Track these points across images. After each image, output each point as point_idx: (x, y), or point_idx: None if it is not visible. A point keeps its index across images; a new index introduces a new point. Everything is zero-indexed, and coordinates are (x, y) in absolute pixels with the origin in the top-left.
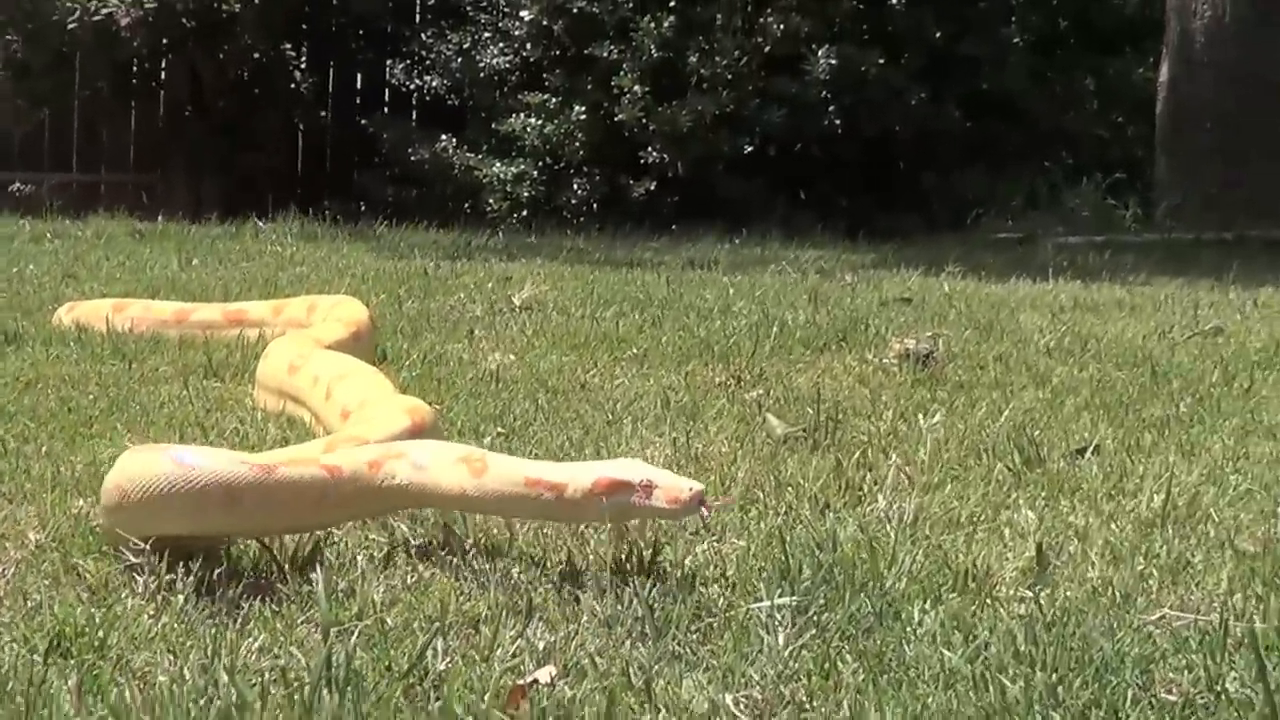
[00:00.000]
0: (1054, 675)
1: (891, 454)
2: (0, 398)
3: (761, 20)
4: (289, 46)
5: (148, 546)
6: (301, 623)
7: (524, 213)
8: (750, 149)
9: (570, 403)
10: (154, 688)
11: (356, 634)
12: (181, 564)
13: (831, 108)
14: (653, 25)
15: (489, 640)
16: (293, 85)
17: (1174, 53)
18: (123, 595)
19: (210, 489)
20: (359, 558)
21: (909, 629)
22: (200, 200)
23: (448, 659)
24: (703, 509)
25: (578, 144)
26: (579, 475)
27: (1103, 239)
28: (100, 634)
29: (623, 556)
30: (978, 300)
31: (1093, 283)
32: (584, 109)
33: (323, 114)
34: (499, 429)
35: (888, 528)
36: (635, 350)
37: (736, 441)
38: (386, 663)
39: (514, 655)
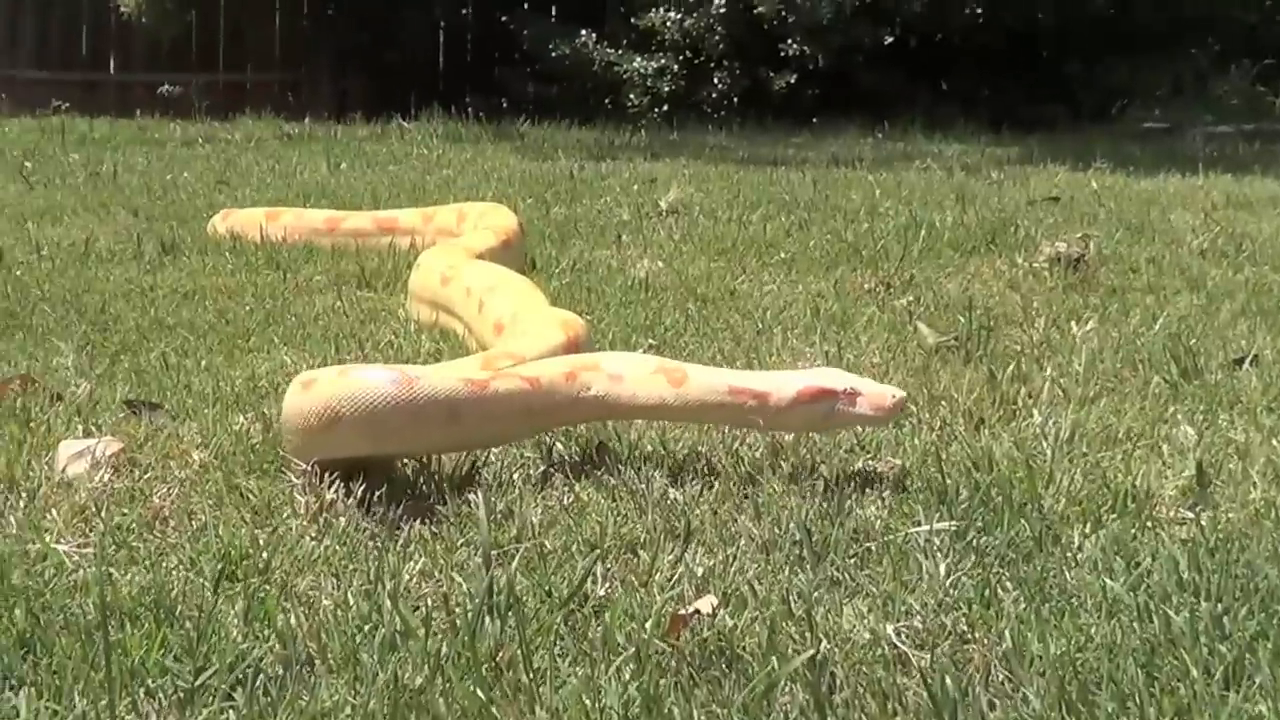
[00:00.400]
0: (1219, 605)
1: (1046, 365)
2: (160, 310)
3: None
4: None
5: (309, 467)
6: (461, 545)
7: (664, 108)
8: (891, 40)
9: (720, 311)
10: (318, 613)
11: (517, 559)
12: (341, 484)
13: None
14: None
15: (648, 565)
16: None
17: None
18: (284, 516)
19: (433, 405)
20: (515, 477)
21: (1069, 554)
22: (344, 97)
23: (607, 585)
24: None
25: (717, 38)
26: (783, 384)
27: (1252, 128)
28: (265, 556)
29: (776, 474)
30: (1127, 198)
31: (1244, 176)
32: (723, 2)
33: (463, 10)
34: (650, 340)
35: (1044, 445)
36: (783, 255)
37: (888, 351)
38: (547, 588)
39: (673, 581)
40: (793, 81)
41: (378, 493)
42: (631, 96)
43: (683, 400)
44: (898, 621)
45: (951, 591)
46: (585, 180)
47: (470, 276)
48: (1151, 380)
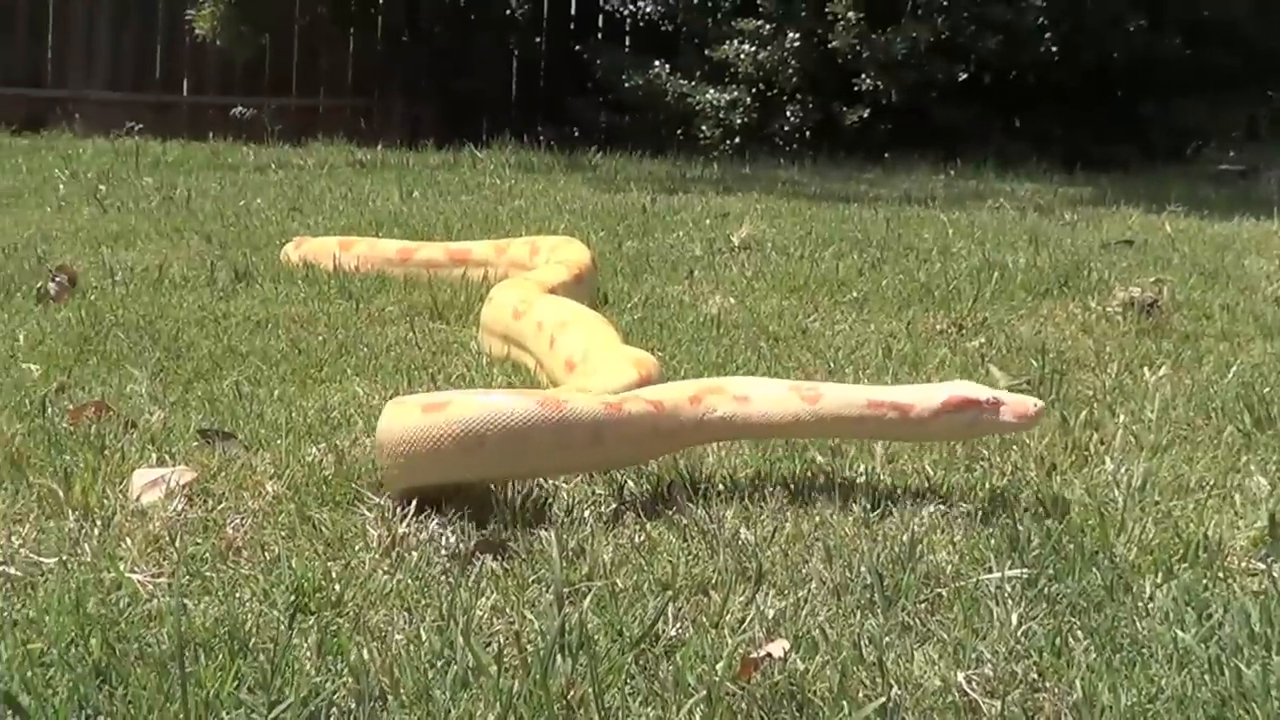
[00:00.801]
0: None
1: (1118, 411)
2: (233, 337)
3: None
4: None
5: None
6: (532, 582)
7: (736, 140)
8: (965, 76)
9: (791, 350)
10: (391, 647)
11: (589, 598)
12: (414, 517)
13: (1048, 35)
14: None
15: (719, 607)
16: (507, 10)
17: None
18: (357, 549)
19: (579, 427)
20: (587, 514)
21: (1140, 604)
22: (416, 124)
23: (678, 625)
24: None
25: (791, 71)
26: (926, 395)
27: None
28: (338, 589)
29: (848, 516)
30: (1201, 242)
31: None
32: (798, 35)
33: (537, 39)
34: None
35: (1116, 492)
36: (855, 294)
37: None
38: (618, 627)
39: (744, 623)
40: (865, 116)
41: (449, 527)
42: (704, 128)
43: (818, 415)
44: (969, 669)
45: (1023, 639)
46: (657, 214)
47: (542, 311)
48: (1224, 429)
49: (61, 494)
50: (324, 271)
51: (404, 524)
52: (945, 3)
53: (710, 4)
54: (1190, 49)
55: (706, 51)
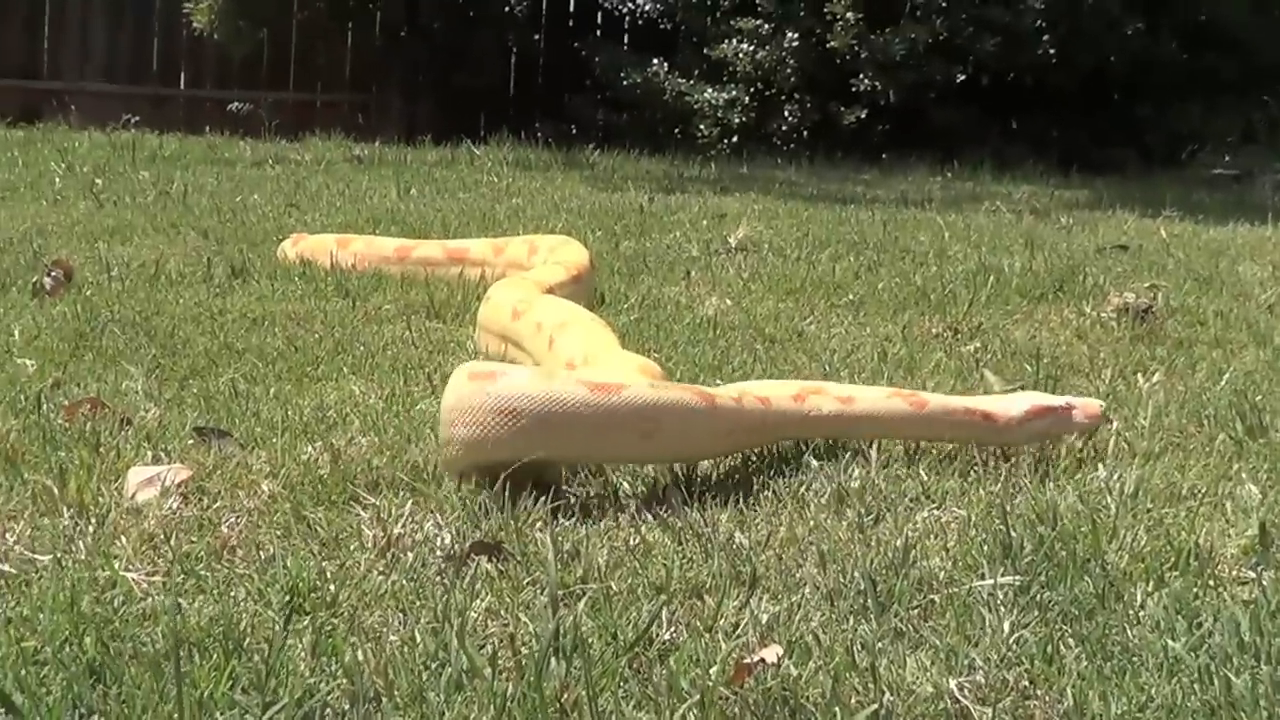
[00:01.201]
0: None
1: (1112, 418)
2: (229, 334)
3: None
4: None
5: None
6: (527, 584)
7: (734, 139)
8: (962, 78)
9: (787, 353)
10: (385, 649)
11: (584, 601)
12: (410, 518)
13: (1046, 37)
14: None
15: (713, 611)
16: (506, 7)
17: None
18: (352, 549)
19: (743, 415)
20: (582, 517)
21: (1131, 612)
22: (414, 120)
23: (672, 629)
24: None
25: (789, 70)
26: (1009, 404)
27: None
28: (332, 590)
29: (842, 523)
30: (1195, 247)
31: None
32: (796, 35)
33: (535, 36)
34: (718, 380)
35: (1108, 499)
36: (851, 297)
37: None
38: (612, 630)
39: (738, 628)
40: (863, 116)
41: (443, 528)
42: (701, 127)
43: (925, 418)
44: (960, 675)
45: (1014, 647)
46: (655, 214)
47: (542, 312)
48: (1217, 437)
49: (56, 491)
50: (321, 269)
51: (399, 524)
52: (944, 4)
53: (709, 3)
54: (1187, 53)
55: (705, 50)
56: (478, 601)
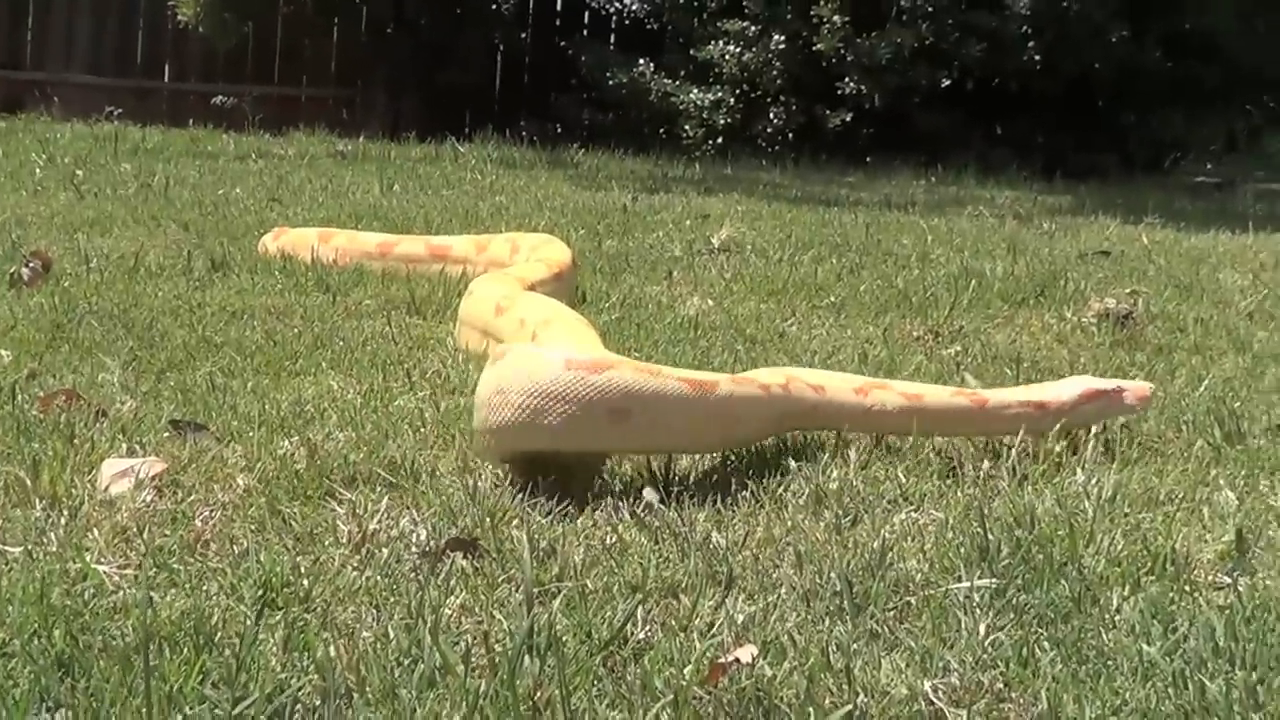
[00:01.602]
0: (1254, 674)
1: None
2: (207, 328)
3: None
4: None
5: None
6: (503, 581)
7: (719, 140)
8: (948, 83)
9: (768, 354)
10: (358, 645)
11: (559, 599)
12: (385, 513)
13: (1031, 43)
14: None
15: (688, 610)
16: (493, 5)
17: None
18: (326, 544)
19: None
20: (559, 514)
21: (1107, 616)
22: (398, 116)
23: (647, 628)
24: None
25: (775, 73)
26: (1062, 390)
27: None
28: (306, 585)
29: (820, 524)
30: (1177, 254)
31: None
32: (783, 37)
33: (522, 35)
34: None
35: (1086, 504)
36: (833, 299)
37: None
38: (587, 629)
39: (713, 627)
40: (848, 120)
41: (418, 523)
42: (687, 128)
43: (985, 414)
44: (935, 678)
45: (990, 649)
46: (638, 213)
47: (525, 308)
48: (1195, 442)
49: (29, 482)
50: (302, 263)
51: (375, 520)
52: (930, 8)
53: (696, 4)
54: (1171, 62)
55: (691, 51)
56: (452, 598)
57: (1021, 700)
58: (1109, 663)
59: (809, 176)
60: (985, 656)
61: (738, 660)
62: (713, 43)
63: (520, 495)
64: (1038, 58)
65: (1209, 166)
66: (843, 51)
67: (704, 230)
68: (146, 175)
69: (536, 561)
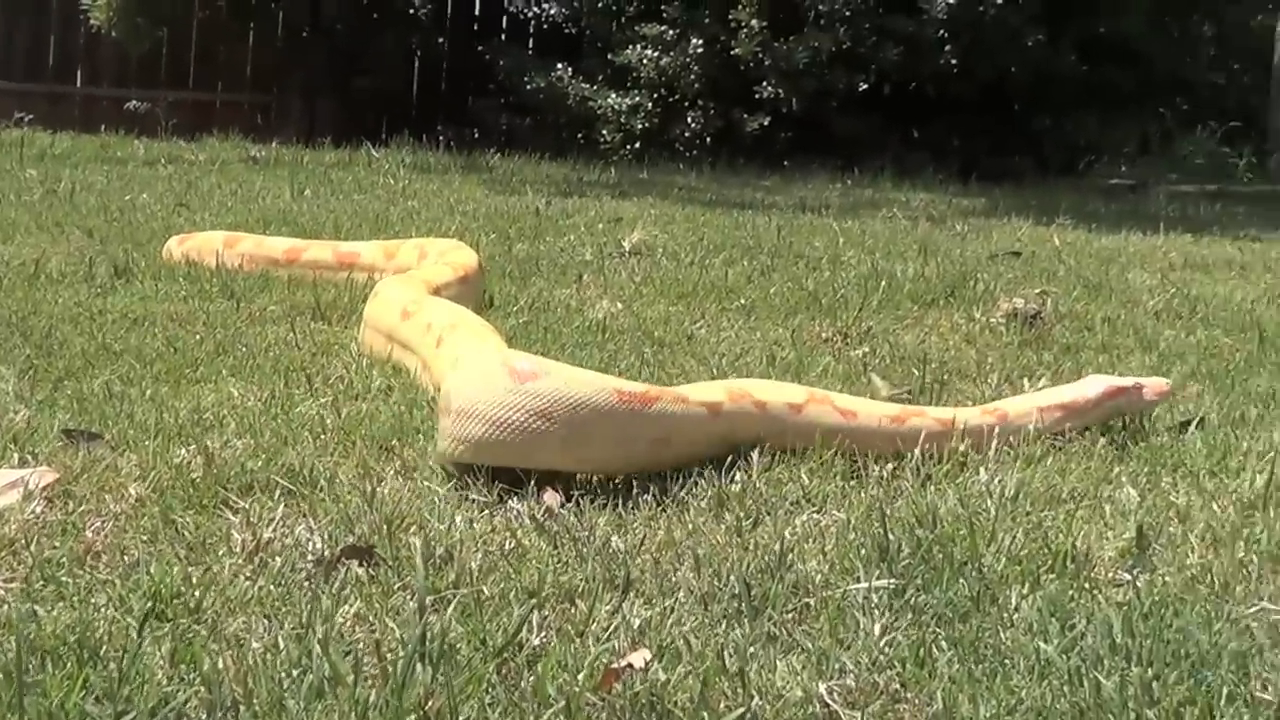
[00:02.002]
0: (1149, 670)
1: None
2: (107, 335)
3: None
4: None
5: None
6: (398, 589)
7: (637, 144)
8: (865, 87)
9: (675, 356)
10: (247, 656)
11: (453, 605)
12: (280, 522)
13: (948, 47)
14: None
15: (584, 615)
16: (410, 10)
17: None
18: (219, 554)
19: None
20: (458, 520)
21: (1005, 615)
22: (314, 121)
23: (543, 634)
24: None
25: (693, 77)
26: (1084, 388)
27: (1215, 188)
28: (196, 595)
29: (721, 526)
30: (1087, 255)
31: (1204, 236)
32: (701, 42)
33: (440, 39)
34: None
35: (988, 503)
36: (743, 301)
37: None
38: (481, 636)
39: (609, 632)
40: (766, 124)
41: (316, 533)
42: (605, 132)
43: (1006, 422)
44: (830, 679)
45: (886, 650)
46: (550, 217)
47: (432, 313)
48: (1098, 441)
49: None
50: (206, 269)
51: (270, 528)
52: (847, 13)
53: (614, 8)
54: (1086, 65)
55: (610, 55)
56: (346, 607)
57: (916, 700)
58: (1005, 661)
59: (725, 180)
60: (881, 657)
61: (631, 665)
62: (631, 47)
63: (420, 503)
64: (954, 61)
65: (1123, 169)
66: (760, 56)
67: (616, 234)
68: (52, 181)
69: (432, 568)
